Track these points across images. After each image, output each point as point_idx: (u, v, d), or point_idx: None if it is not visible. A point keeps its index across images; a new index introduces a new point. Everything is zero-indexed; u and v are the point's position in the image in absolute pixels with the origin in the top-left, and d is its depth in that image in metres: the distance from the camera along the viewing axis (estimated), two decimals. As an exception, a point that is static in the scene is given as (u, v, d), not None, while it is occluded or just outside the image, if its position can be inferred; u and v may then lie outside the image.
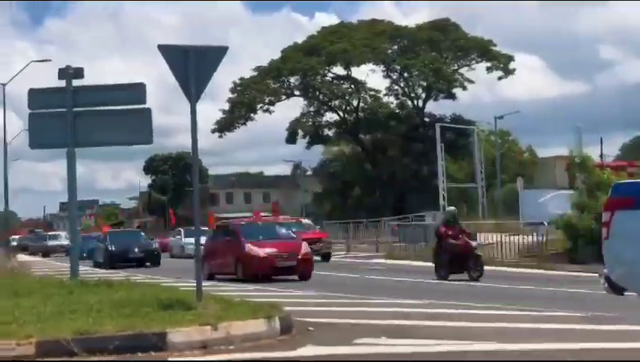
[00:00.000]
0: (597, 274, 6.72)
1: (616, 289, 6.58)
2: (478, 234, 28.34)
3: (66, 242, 49.90)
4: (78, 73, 13.12)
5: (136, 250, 33.03)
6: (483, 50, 60.90)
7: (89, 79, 13.41)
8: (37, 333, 7.47)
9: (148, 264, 31.80)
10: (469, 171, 56.84)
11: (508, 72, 61.43)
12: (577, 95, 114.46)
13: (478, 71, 62.09)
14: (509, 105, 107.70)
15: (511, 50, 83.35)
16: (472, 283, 17.29)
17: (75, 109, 12.76)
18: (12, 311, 8.74)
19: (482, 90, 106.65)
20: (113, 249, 32.91)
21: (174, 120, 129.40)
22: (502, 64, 60.73)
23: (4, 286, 12.44)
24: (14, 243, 67.19)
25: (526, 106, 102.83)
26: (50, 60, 43.54)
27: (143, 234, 39.47)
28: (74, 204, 13.71)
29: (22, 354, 7.17)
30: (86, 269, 26.14)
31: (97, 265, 33.12)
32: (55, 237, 59.18)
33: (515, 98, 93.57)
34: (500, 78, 62.40)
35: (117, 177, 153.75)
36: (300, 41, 64.86)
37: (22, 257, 41.98)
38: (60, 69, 13.02)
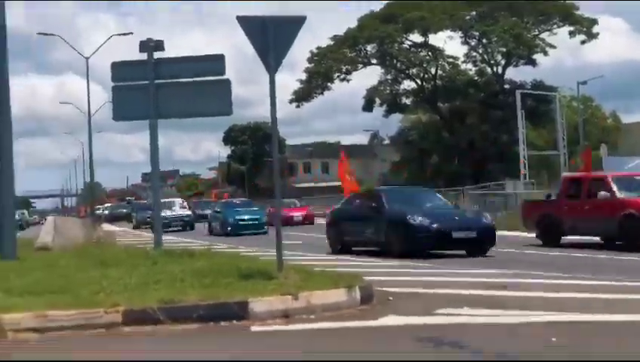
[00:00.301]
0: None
1: None
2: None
3: (184, 212, 43.04)
4: (159, 46, 13.29)
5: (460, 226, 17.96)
6: (565, 14, 59.30)
7: (169, 52, 13.57)
8: (124, 302, 7.66)
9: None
10: (549, 138, 55.74)
11: (591, 36, 59.72)
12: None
13: (560, 35, 60.64)
14: (593, 70, 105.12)
15: (594, 13, 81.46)
16: (554, 253, 17.01)
17: (157, 81, 12.95)
18: (100, 281, 8.98)
19: (564, 55, 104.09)
20: (436, 226, 17.63)
21: (253, 91, 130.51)
22: (585, 28, 59.07)
23: (92, 255, 12.80)
24: (106, 212, 67.24)
25: (610, 71, 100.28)
26: (131, 33, 44.17)
27: (439, 196, 21.86)
28: (157, 174, 13.96)
29: (110, 321, 7.38)
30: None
31: (346, 243, 19.80)
32: (170, 206, 42.99)
33: (599, 62, 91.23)
34: (583, 42, 60.73)
35: (197, 148, 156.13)
36: (376, 9, 64.38)
37: (107, 226, 42.61)
38: (141, 42, 13.22)
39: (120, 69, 13.36)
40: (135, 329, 7.34)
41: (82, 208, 70.44)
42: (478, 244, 17.84)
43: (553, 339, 6.65)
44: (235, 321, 7.55)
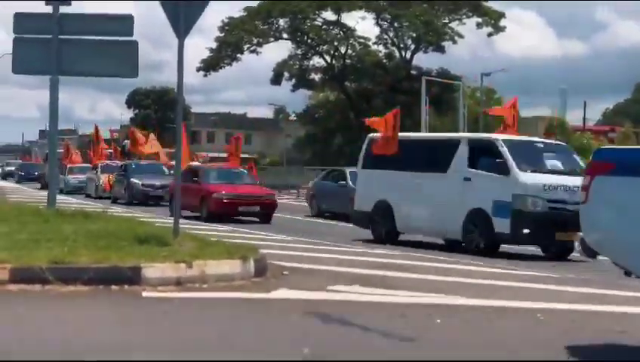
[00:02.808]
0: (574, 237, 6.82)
1: (589, 252, 6.66)
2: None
3: None
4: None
5: None
6: (475, 5, 60.45)
7: (76, 7, 13.16)
8: (12, 259, 7.48)
9: None
10: (452, 127, 56.89)
11: (498, 29, 61.07)
12: (571, 56, 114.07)
13: (469, 25, 61.79)
14: (502, 61, 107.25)
15: (507, 5, 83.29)
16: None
17: (61, 37, 12.57)
18: (-13, 236, 8.73)
19: (477, 45, 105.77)
20: None
21: (164, 54, 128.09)
22: (493, 20, 60.36)
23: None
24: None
25: (518, 64, 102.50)
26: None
27: None
28: (55, 132, 13.58)
29: (-4, 278, 7.20)
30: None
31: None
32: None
33: (509, 54, 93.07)
34: (489, 35, 62.08)
35: (97, 108, 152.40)
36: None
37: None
38: (46, -5, 12.77)
39: (23, 21, 12.88)
40: (22, 287, 7.19)
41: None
42: None
43: (438, 321, 6.85)
44: (126, 286, 7.48)
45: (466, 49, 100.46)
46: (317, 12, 62.43)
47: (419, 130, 48.32)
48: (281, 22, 62.99)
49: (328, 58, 64.75)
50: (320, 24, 63.63)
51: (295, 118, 76.50)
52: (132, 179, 30.38)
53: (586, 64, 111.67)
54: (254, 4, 63.08)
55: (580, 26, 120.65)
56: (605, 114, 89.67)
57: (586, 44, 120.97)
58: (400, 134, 18.11)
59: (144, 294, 7.32)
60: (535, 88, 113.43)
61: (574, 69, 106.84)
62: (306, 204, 28.40)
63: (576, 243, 6.71)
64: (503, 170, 14.90)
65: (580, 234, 6.65)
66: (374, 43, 64.13)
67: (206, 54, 63.65)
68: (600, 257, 6.89)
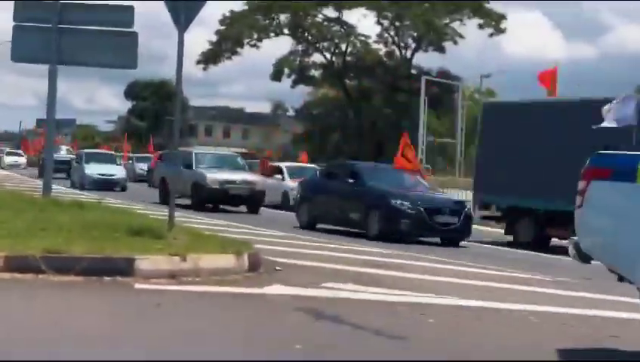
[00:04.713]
0: (566, 241, 6.82)
1: (583, 257, 6.65)
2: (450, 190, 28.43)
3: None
4: (67, -11, 12.86)
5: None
6: (476, 7, 60.57)
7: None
8: (6, 248, 7.47)
9: None
10: (451, 127, 56.97)
11: (499, 31, 61.33)
12: (576, 58, 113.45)
13: (472, 26, 61.94)
14: (507, 62, 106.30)
15: (511, 5, 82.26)
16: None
17: (61, 26, 12.55)
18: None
19: (480, 46, 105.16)
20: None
21: (164, 45, 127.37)
22: (493, 21, 60.53)
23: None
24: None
25: (523, 65, 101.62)
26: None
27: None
28: (53, 121, 13.57)
29: (-11, 266, 7.18)
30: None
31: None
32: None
33: (513, 55, 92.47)
34: (490, 35, 62.29)
35: (95, 99, 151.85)
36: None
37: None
38: (48, -16, 12.75)
39: (24, 9, 12.86)
40: (16, 276, 7.18)
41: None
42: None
43: (430, 320, 6.86)
44: (119, 277, 7.47)
45: (469, 49, 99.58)
46: (318, 9, 62.48)
47: (417, 130, 48.39)
48: (282, 17, 63.04)
49: (328, 55, 64.82)
50: (321, 21, 63.69)
51: (293, 114, 76.53)
52: None
53: (592, 66, 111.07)
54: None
55: (586, 28, 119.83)
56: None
57: (592, 47, 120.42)
58: None
59: (137, 286, 7.32)
60: (538, 90, 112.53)
61: (579, 71, 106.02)
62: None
63: (570, 247, 6.71)
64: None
65: (574, 238, 6.65)
66: (375, 41, 64.28)
67: (206, 47, 63.72)
68: (593, 262, 6.90)
